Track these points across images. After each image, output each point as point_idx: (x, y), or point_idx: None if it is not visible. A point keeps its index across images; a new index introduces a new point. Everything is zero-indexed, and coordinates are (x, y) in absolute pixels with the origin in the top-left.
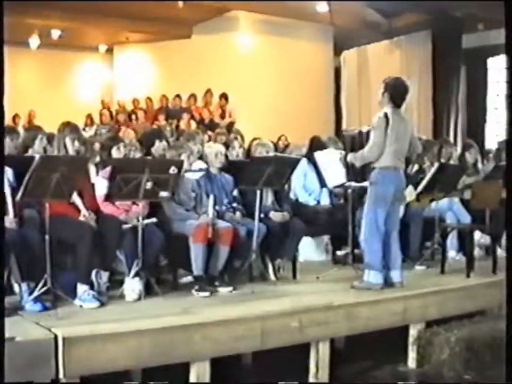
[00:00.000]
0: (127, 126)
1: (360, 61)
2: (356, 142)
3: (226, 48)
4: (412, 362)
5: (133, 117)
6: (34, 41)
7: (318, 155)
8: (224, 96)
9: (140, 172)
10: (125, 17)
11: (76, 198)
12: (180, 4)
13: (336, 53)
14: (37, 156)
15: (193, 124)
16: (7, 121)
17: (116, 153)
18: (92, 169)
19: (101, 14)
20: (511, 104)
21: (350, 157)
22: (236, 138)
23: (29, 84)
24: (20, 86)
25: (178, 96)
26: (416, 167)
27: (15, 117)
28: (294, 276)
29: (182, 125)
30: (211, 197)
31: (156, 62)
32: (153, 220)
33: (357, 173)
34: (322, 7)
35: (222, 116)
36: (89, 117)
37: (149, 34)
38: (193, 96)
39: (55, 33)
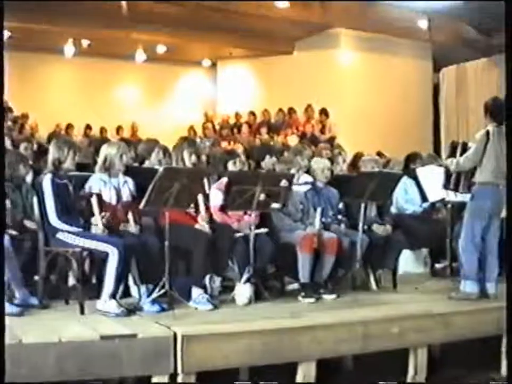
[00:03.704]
0: (230, 140)
1: (459, 78)
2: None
3: (327, 64)
4: (504, 370)
5: (235, 130)
6: (139, 55)
7: (420, 171)
8: (324, 112)
9: (254, 184)
10: (229, 33)
11: (200, 203)
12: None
13: (435, 70)
14: (161, 168)
15: (295, 138)
16: (112, 132)
17: (232, 166)
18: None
19: (206, 29)
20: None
21: (448, 160)
22: (340, 153)
23: (133, 96)
24: (124, 98)
25: (281, 110)
26: None
27: (118, 129)
28: (395, 286)
29: (282, 138)
30: (319, 209)
31: (258, 77)
32: (265, 230)
33: (454, 184)
34: (423, 24)
35: (322, 131)
36: (192, 129)
37: (252, 49)
38: (292, 110)
39: (161, 48)
